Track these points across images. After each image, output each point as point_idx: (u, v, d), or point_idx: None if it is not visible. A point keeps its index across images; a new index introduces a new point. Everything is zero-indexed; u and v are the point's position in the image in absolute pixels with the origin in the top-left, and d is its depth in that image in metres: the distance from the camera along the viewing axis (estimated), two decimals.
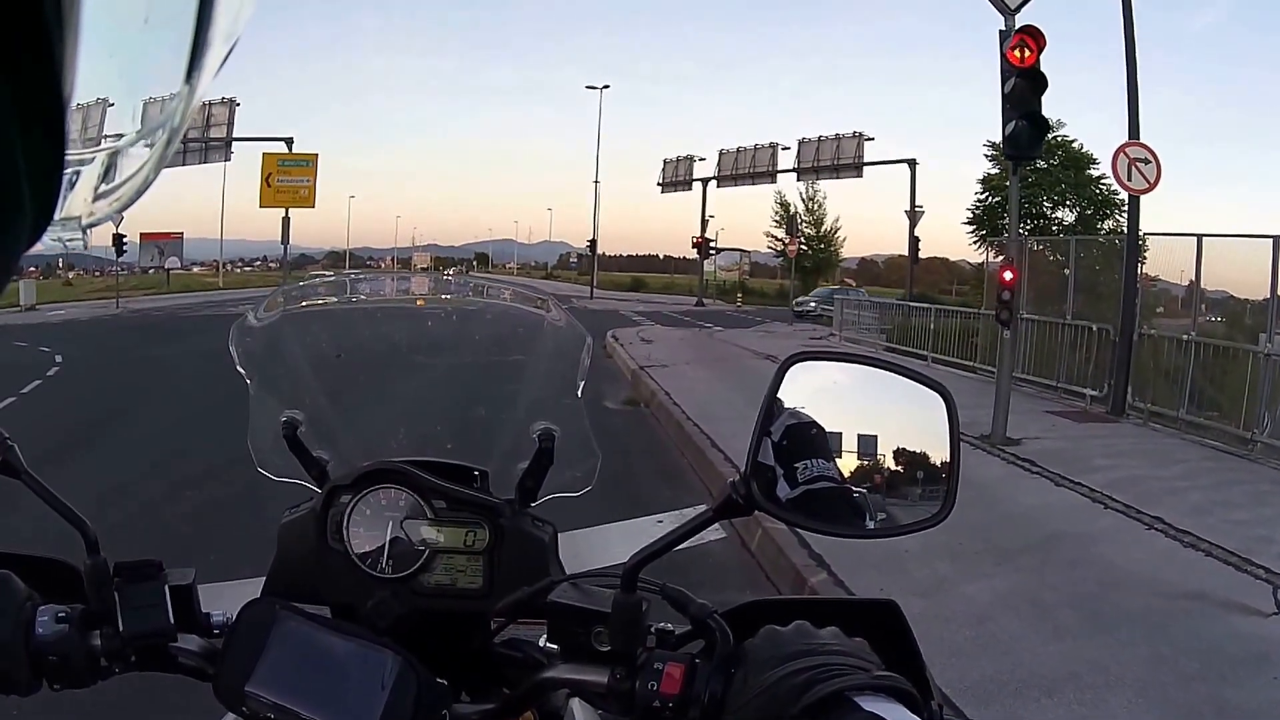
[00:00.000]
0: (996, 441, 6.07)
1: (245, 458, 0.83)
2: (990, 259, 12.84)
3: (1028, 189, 18.69)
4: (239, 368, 0.80)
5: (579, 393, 0.81)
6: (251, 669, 0.65)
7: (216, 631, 0.72)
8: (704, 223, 35.13)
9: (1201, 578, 3.44)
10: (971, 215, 21.23)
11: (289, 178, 27.42)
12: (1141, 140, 7.51)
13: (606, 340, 13.61)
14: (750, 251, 48.44)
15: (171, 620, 0.69)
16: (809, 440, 0.63)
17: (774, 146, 31.72)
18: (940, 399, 0.63)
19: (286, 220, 27.52)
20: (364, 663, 0.66)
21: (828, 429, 0.63)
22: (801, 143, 30.34)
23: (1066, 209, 19.97)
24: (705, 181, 34.87)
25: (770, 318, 25.82)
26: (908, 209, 25.72)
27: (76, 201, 0.30)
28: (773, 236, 40.08)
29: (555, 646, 0.71)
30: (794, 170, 31.08)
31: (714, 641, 0.63)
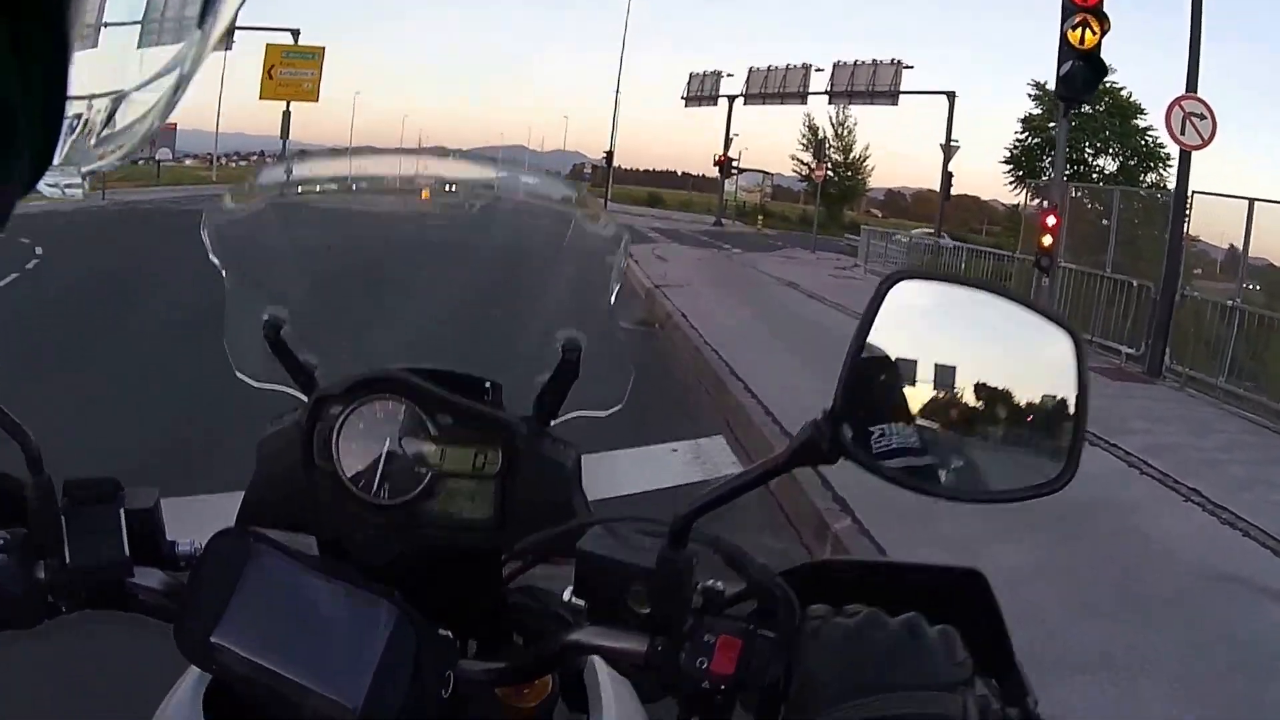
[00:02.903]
0: None
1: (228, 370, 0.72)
2: (1026, 202, 12.47)
3: (1070, 133, 18.99)
4: (212, 257, 0.70)
5: (612, 299, 0.72)
6: (219, 615, 0.56)
7: (183, 564, 0.63)
8: (727, 141, 34.38)
9: (1240, 559, 3.40)
10: (1010, 155, 20.69)
11: (292, 70, 26.95)
12: (1199, 94, 7.35)
13: None
14: (773, 174, 48.01)
15: (127, 551, 0.60)
16: (895, 386, 0.53)
17: (806, 68, 31.36)
18: (1069, 339, 0.54)
19: (287, 114, 27.29)
20: (354, 611, 0.57)
21: (931, 364, 0.54)
22: (836, 66, 30.01)
23: (1109, 157, 19.48)
24: (732, 99, 34.25)
25: (792, 243, 25.74)
26: (943, 143, 24.97)
27: (78, 147, 0.30)
28: (798, 160, 39.28)
29: (581, 602, 0.61)
30: (826, 93, 30.77)
31: (773, 611, 0.54)
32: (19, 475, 0.60)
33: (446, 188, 0.81)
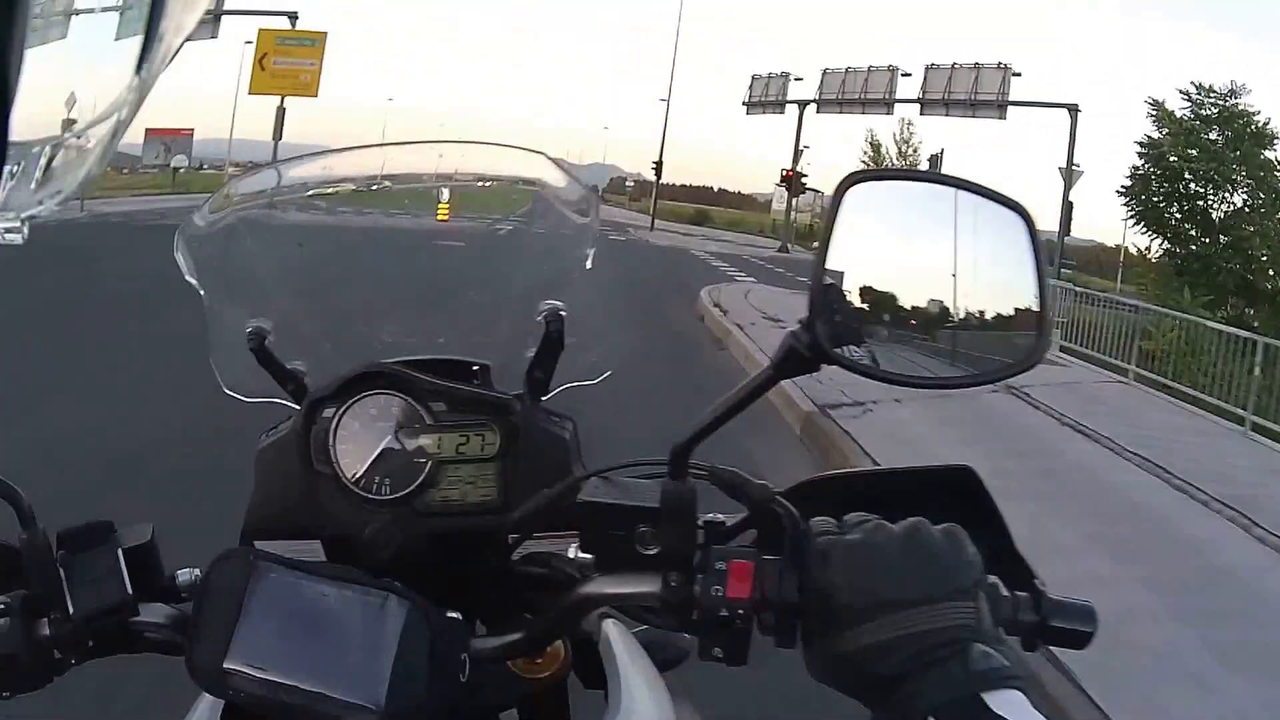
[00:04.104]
0: None
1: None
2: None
3: (1184, 163, 18.84)
4: (188, 277, 0.83)
5: (588, 263, 0.83)
6: (228, 640, 0.64)
7: (185, 595, 0.74)
8: (797, 153, 34.61)
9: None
10: (1126, 186, 20.19)
11: (289, 59, 27.40)
12: None
13: (703, 305, 12.87)
14: (822, 193, 48.68)
15: (129, 590, 0.70)
16: (874, 277, 0.64)
17: (893, 71, 30.99)
18: (1020, 219, 0.66)
19: (281, 110, 27.72)
20: (364, 612, 0.66)
21: (894, 260, 0.66)
22: (930, 69, 29.52)
23: (1232, 190, 19.05)
24: (803, 105, 34.13)
25: None
26: (1062, 166, 24.49)
27: (18, 193, 0.34)
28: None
29: (589, 556, 0.71)
30: (917, 101, 30.15)
31: (777, 531, 0.64)
32: (8, 537, 0.70)
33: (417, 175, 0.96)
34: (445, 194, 0.94)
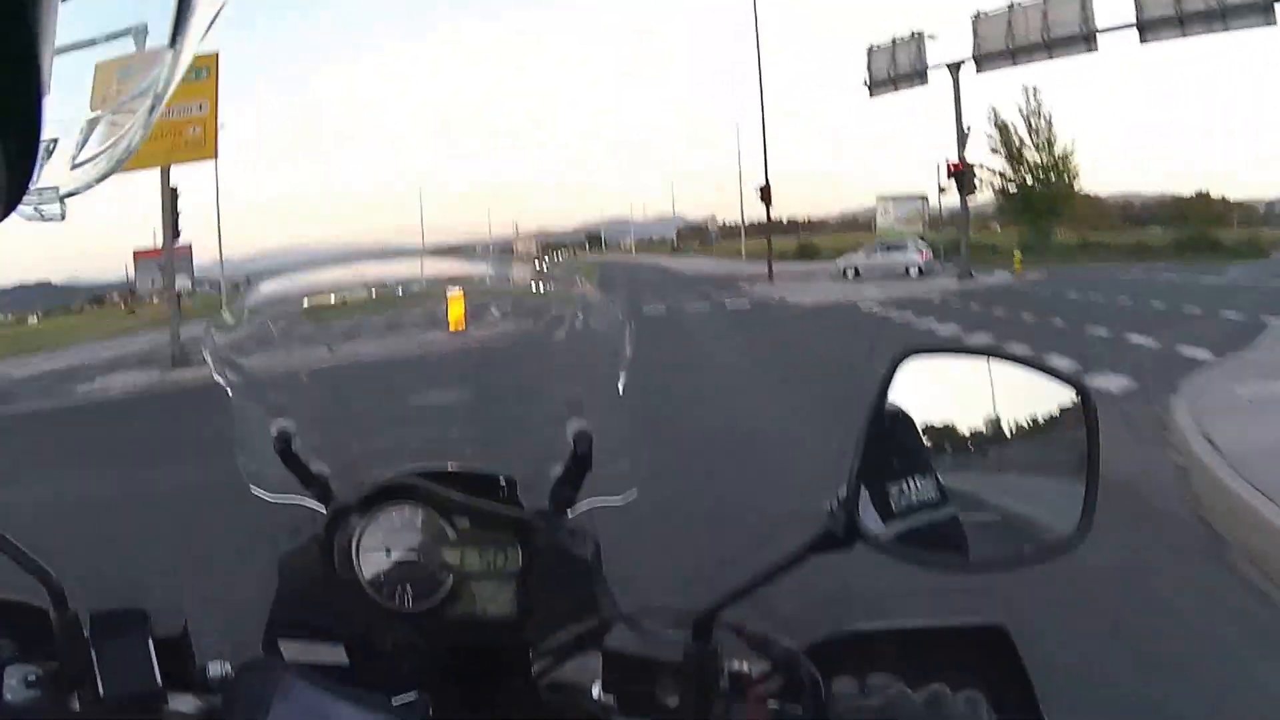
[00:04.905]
0: None
1: None
2: None
3: None
4: (215, 375, 0.93)
5: (620, 387, 0.91)
6: None
7: (214, 688, 0.84)
8: (962, 136, 31.12)
9: None
10: None
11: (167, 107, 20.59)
12: None
13: (1186, 441, 6.44)
14: (925, 197, 47.75)
15: (159, 680, 0.80)
16: (917, 455, 0.73)
17: None
18: (1077, 395, 0.73)
19: (167, 181, 20.08)
20: None
21: (947, 433, 0.73)
22: None
23: None
24: (955, 67, 30.23)
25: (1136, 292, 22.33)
26: None
27: (54, 170, 0.37)
28: (987, 168, 39.99)
29: (611, 698, 0.80)
30: (1134, 26, 22.99)
31: (799, 689, 0.73)
32: (41, 604, 0.83)
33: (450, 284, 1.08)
34: (477, 306, 1.08)
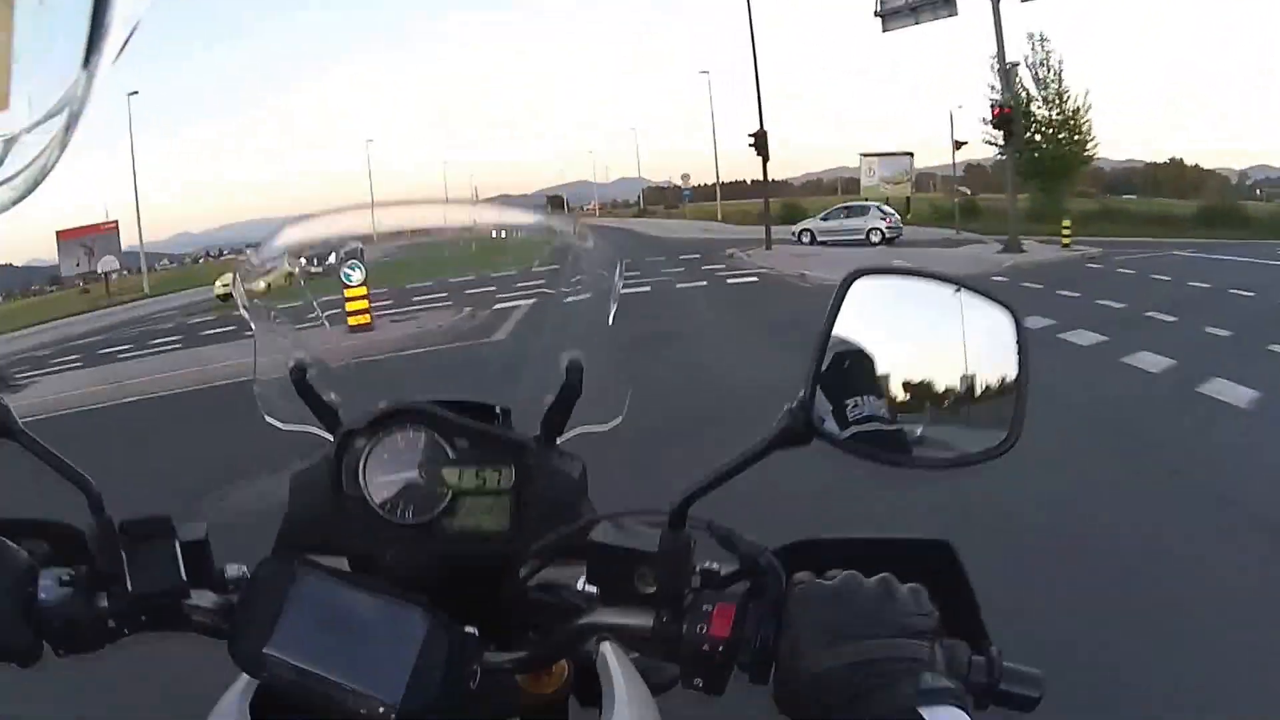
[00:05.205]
0: None
1: None
2: None
3: None
4: (242, 311, 1.02)
5: (610, 319, 1.01)
6: (270, 630, 0.81)
7: (231, 587, 0.92)
8: (1006, 75, 27.11)
9: None
10: None
11: None
12: None
13: None
14: (911, 153, 44.97)
15: (184, 576, 0.87)
16: (863, 367, 0.80)
17: None
18: (1009, 317, 0.81)
19: None
20: (390, 620, 0.83)
21: (886, 351, 0.81)
22: None
23: None
24: None
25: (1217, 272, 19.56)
26: None
27: None
28: (987, 127, 35.14)
29: (594, 589, 0.89)
30: None
31: (763, 582, 0.81)
32: (75, 522, 0.90)
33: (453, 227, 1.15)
34: (477, 246, 1.12)
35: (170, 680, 2.07)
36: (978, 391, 0.80)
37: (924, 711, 0.68)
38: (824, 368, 0.79)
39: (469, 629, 0.85)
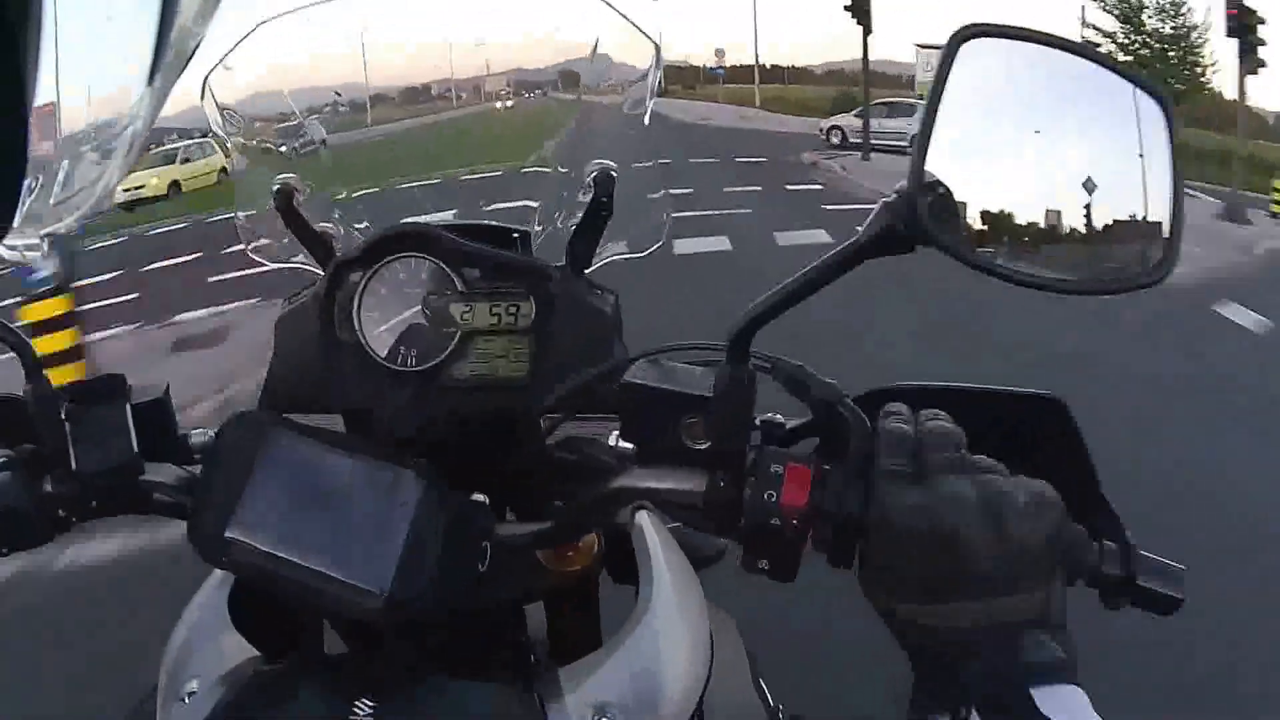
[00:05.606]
0: None
1: None
2: None
3: None
4: (214, 128, 0.87)
5: (646, 117, 0.85)
6: (232, 508, 0.67)
7: (198, 456, 0.79)
8: None
9: None
10: None
11: None
12: None
13: None
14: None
15: (136, 448, 0.75)
16: (985, 152, 0.63)
17: None
18: (1158, 105, 0.65)
19: None
20: (377, 488, 0.69)
21: (1007, 137, 0.64)
22: None
23: None
24: None
25: None
26: None
27: (37, 209, 0.37)
28: (1097, 29, 32.23)
29: (630, 446, 0.73)
30: None
31: (841, 438, 0.65)
32: (15, 390, 0.76)
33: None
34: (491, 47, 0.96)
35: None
36: (1122, 199, 0.63)
37: (1035, 693, 0.56)
38: (924, 138, 0.60)
39: (478, 497, 0.72)
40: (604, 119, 0.88)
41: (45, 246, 0.38)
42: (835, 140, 26.06)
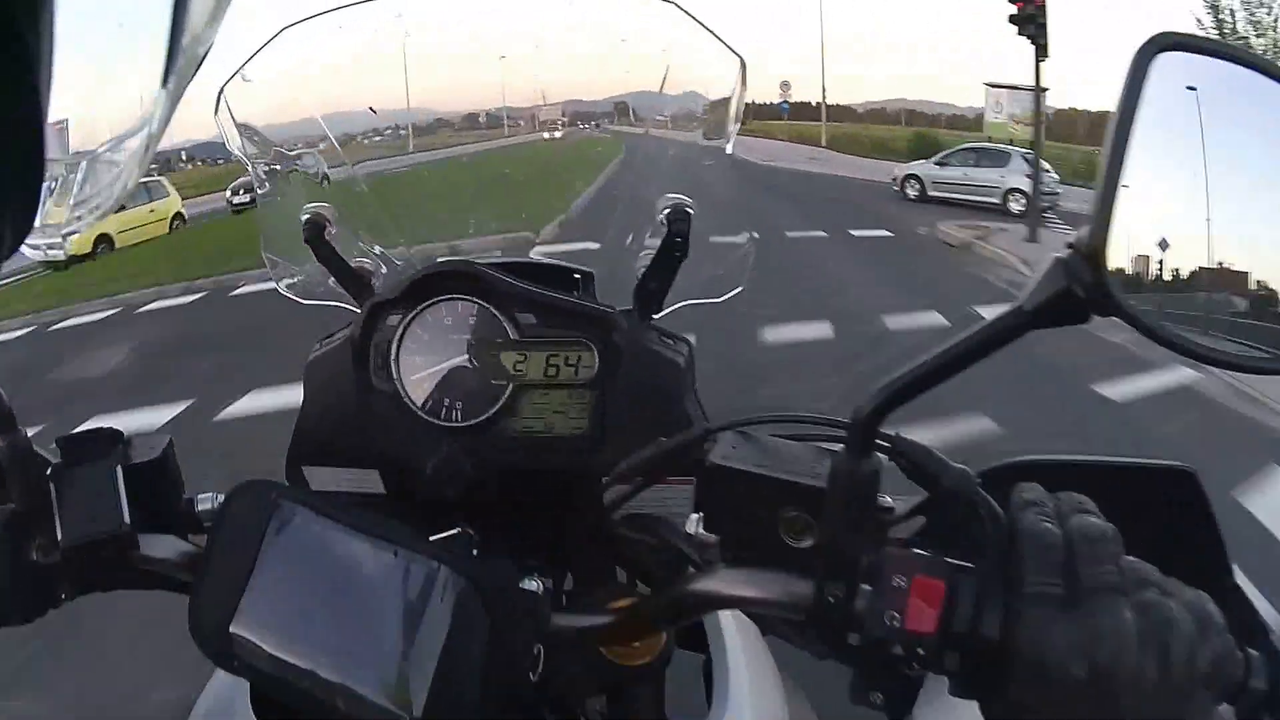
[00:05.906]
0: None
1: None
2: None
3: None
4: (233, 149, 0.79)
5: (729, 146, 0.77)
6: (238, 599, 0.58)
7: (206, 525, 0.69)
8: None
9: None
10: None
11: None
12: None
13: None
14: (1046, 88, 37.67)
15: (126, 517, 0.65)
16: (1172, 194, 0.53)
17: None
18: None
19: None
20: (407, 584, 0.58)
21: (1204, 175, 0.52)
22: None
23: None
24: None
25: None
26: None
27: (56, 210, 0.38)
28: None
29: (711, 536, 0.62)
30: None
31: (957, 523, 0.53)
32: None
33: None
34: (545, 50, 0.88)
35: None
36: None
37: None
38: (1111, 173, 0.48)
39: (531, 584, 0.61)
40: (678, 148, 0.80)
41: (67, 244, 0.40)
42: (912, 194, 21.40)
